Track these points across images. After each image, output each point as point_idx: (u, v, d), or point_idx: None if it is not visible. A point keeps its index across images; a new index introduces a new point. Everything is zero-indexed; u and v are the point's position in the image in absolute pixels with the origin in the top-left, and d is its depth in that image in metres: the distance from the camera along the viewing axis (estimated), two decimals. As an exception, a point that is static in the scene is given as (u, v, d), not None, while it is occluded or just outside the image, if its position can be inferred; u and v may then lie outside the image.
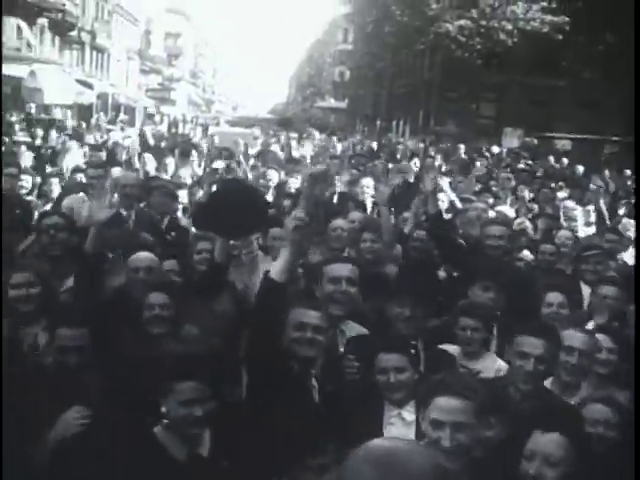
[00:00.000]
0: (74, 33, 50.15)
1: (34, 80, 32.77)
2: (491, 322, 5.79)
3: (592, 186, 14.68)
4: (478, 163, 18.15)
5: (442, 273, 7.57)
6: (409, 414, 4.49)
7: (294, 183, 11.21)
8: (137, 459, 3.71)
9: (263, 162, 14.19)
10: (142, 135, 19.40)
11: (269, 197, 10.10)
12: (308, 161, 11.00)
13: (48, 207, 9.14)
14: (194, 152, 14.22)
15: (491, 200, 11.14)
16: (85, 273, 5.71)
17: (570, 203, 10.94)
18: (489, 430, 4.15)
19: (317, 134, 27.46)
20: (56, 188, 10.08)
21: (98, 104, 44.45)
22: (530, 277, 7.46)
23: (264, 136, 25.07)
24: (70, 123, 28.78)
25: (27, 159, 13.39)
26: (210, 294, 5.51)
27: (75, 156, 13.38)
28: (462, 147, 21.93)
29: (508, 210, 10.57)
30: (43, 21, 42.78)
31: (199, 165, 13.24)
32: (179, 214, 9.35)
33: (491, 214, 9.22)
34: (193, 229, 8.06)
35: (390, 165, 14.57)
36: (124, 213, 8.34)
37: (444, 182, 10.24)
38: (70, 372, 4.51)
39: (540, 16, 37.50)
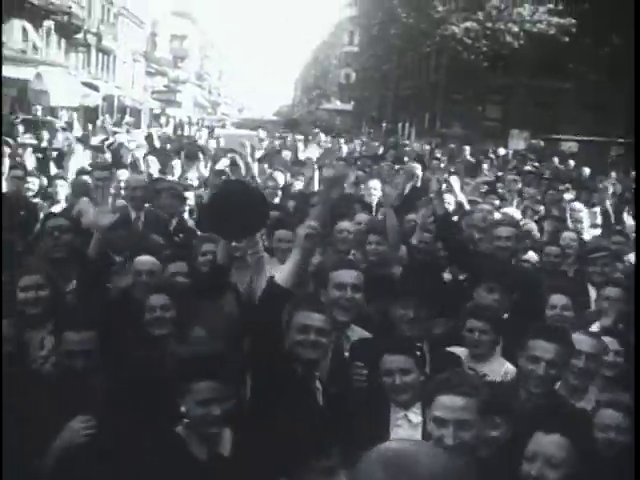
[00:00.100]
0: (80, 35, 50.21)
1: (40, 82, 32.78)
2: (499, 324, 5.76)
3: (600, 186, 14.65)
4: (485, 165, 18.10)
5: (447, 275, 7.55)
6: (415, 416, 4.49)
7: (299, 185, 11.21)
8: (161, 458, 3.74)
9: (270, 164, 14.18)
10: (149, 137, 19.41)
11: (275, 199, 10.08)
12: (314, 163, 10.98)
13: (53, 209, 9.14)
14: (200, 154, 14.23)
15: (497, 202, 11.13)
16: (87, 277, 5.72)
17: (577, 205, 10.90)
18: (495, 430, 4.14)
19: (323, 136, 27.42)
20: (61, 190, 10.08)
21: (104, 106, 44.42)
22: (535, 279, 7.44)
23: (270, 138, 25.08)
24: (76, 125, 28.78)
25: (33, 161, 13.43)
26: (213, 296, 5.50)
27: (80, 158, 13.38)
28: (467, 149, 21.88)
29: (514, 212, 10.53)
30: (49, 23, 42.83)
31: (205, 167, 13.23)
32: (185, 216, 9.36)
33: (497, 216, 9.20)
34: (198, 231, 8.07)
35: (396, 167, 14.56)
36: (133, 215, 8.37)
37: (455, 182, 10.20)
38: (77, 376, 4.48)
39: (546, 18, 37.47)
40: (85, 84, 42.80)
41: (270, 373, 4.26)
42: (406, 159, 17.83)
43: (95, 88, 43.90)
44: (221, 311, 5.78)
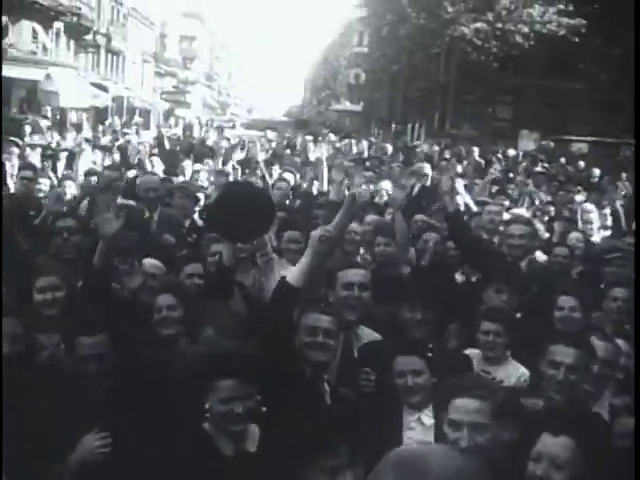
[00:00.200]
0: (89, 36, 50.30)
1: (50, 83, 32.83)
2: (512, 326, 5.73)
3: (610, 187, 14.60)
4: (495, 166, 18.05)
5: (459, 277, 7.52)
6: (428, 418, 4.49)
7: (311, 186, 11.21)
8: (188, 454, 3.81)
9: (280, 165, 14.20)
10: (159, 138, 19.43)
11: (287, 200, 10.08)
12: (324, 164, 10.97)
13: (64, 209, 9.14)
14: (210, 155, 14.26)
15: (507, 203, 11.11)
16: (92, 284, 5.72)
17: (587, 206, 10.86)
18: (506, 431, 4.12)
19: (333, 137, 27.42)
20: (70, 191, 10.09)
21: (113, 107, 44.53)
22: (545, 279, 7.40)
23: (279, 139, 25.08)
24: (85, 126, 28.85)
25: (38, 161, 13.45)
26: (221, 296, 5.49)
27: (88, 159, 13.41)
28: (476, 150, 21.83)
29: (524, 213, 10.51)
30: (59, 25, 42.89)
31: (216, 168, 13.25)
32: (195, 217, 9.37)
33: (505, 216, 9.17)
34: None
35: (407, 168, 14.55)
36: (147, 215, 8.38)
37: (459, 184, 10.19)
38: (91, 379, 4.47)
39: (556, 19, 37.26)
40: (94, 85, 42.96)
41: (279, 372, 4.25)
42: (415, 160, 17.83)
43: (104, 89, 44.05)
44: (229, 311, 5.77)
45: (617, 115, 36.35)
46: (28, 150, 14.79)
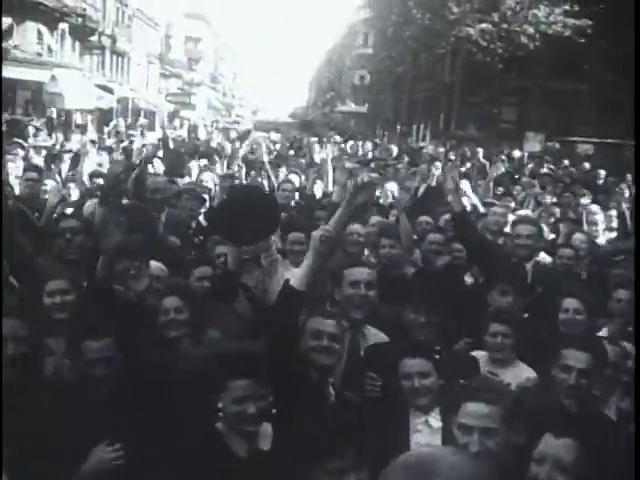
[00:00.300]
0: (94, 38, 50.34)
1: (55, 85, 32.94)
2: (520, 328, 5.71)
3: (616, 189, 14.55)
4: (498, 164, 17.99)
5: (468, 279, 7.47)
6: (436, 421, 4.48)
7: (316, 188, 11.19)
8: (203, 454, 3.82)
9: (286, 166, 14.19)
10: (164, 140, 19.43)
11: (292, 202, 10.07)
12: (330, 165, 10.98)
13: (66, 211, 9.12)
14: (216, 156, 14.26)
15: (512, 204, 11.09)
16: (95, 289, 5.72)
17: (593, 208, 10.83)
18: (515, 435, 4.10)
19: (338, 138, 27.45)
20: (74, 192, 10.07)
21: (118, 109, 44.59)
22: (550, 281, 7.37)
23: (283, 140, 25.09)
24: (90, 127, 28.90)
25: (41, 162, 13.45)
26: (226, 299, 5.48)
27: (93, 160, 13.40)
28: (480, 151, 21.79)
29: (529, 214, 10.48)
30: (64, 26, 42.96)
31: (221, 169, 13.25)
32: (200, 218, 9.37)
33: (510, 218, 9.15)
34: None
35: (412, 169, 14.55)
36: (155, 215, 8.38)
37: (465, 185, 10.17)
38: (99, 383, 4.45)
39: (562, 19, 37.16)
40: (99, 86, 43.05)
41: (285, 375, 4.23)
42: (419, 162, 17.81)
43: (109, 90, 44.12)
44: (234, 313, 5.76)
45: (623, 116, 36.33)
46: (32, 152, 14.79)
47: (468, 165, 19.39)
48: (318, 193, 11.06)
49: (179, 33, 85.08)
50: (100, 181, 10.81)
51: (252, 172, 12.57)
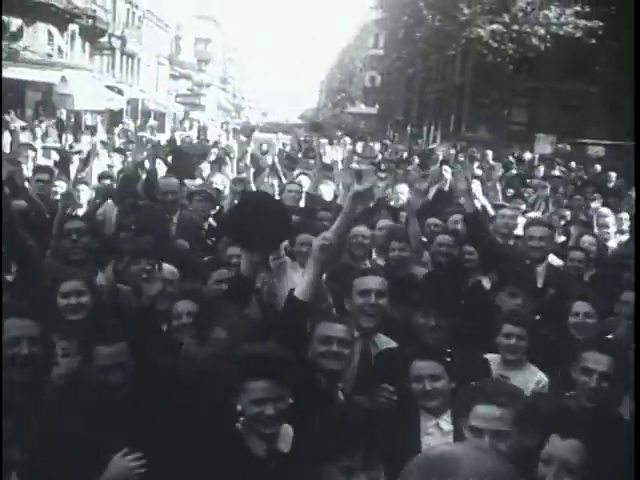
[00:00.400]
0: (104, 39, 50.52)
1: (65, 86, 33.03)
2: (532, 330, 5.68)
3: (628, 192, 14.47)
4: (499, 167, 17.99)
5: (486, 283, 7.40)
6: (447, 424, 4.47)
7: (325, 189, 11.16)
8: (223, 454, 3.83)
9: (296, 167, 14.18)
10: (172, 141, 19.46)
11: (301, 203, 10.04)
12: (340, 167, 10.97)
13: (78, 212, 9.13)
14: (227, 158, 14.24)
15: (523, 206, 11.05)
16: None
17: (604, 210, 10.79)
18: (527, 438, 4.09)
19: (348, 139, 27.44)
20: (83, 194, 10.07)
21: (128, 110, 44.71)
22: (562, 283, 7.34)
23: (293, 142, 25.08)
24: (100, 128, 28.96)
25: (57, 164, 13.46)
26: (239, 304, 5.47)
27: (103, 162, 13.42)
28: (490, 153, 21.74)
29: (540, 216, 10.45)
30: (74, 27, 43.11)
31: (232, 171, 13.23)
32: (210, 220, 9.35)
33: (521, 220, 9.11)
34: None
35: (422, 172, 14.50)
36: (167, 217, 8.37)
37: (476, 186, 10.12)
38: (113, 388, 4.38)
39: (573, 20, 37.07)
40: (109, 88, 43.17)
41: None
42: (430, 164, 17.78)
43: (119, 92, 44.25)
44: (246, 318, 5.74)
45: (633, 117, 36.24)
46: (42, 153, 14.80)
47: (478, 165, 19.33)
48: (329, 195, 11.02)
49: (189, 34, 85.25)
50: (109, 182, 10.82)
51: (262, 173, 12.56)
